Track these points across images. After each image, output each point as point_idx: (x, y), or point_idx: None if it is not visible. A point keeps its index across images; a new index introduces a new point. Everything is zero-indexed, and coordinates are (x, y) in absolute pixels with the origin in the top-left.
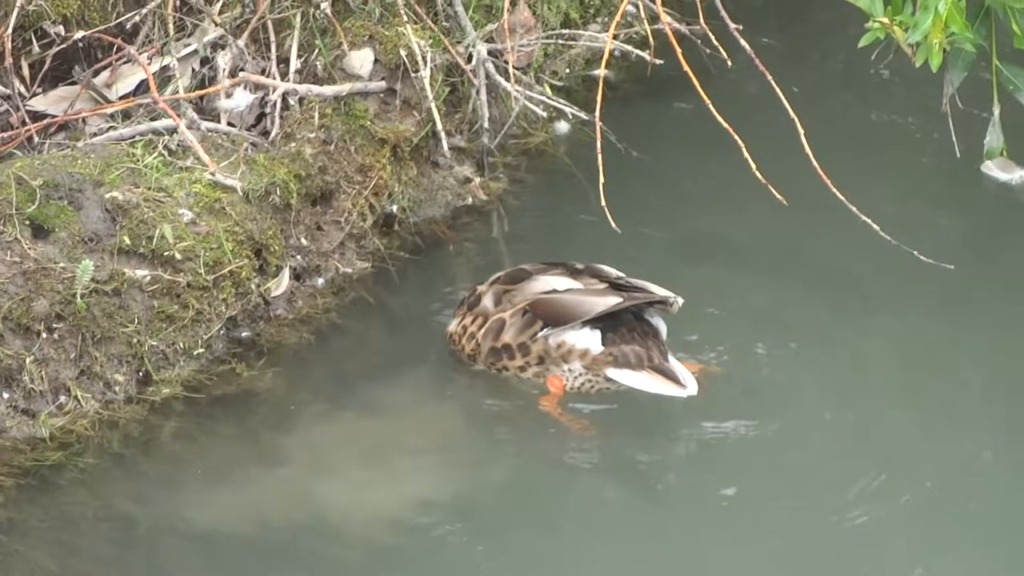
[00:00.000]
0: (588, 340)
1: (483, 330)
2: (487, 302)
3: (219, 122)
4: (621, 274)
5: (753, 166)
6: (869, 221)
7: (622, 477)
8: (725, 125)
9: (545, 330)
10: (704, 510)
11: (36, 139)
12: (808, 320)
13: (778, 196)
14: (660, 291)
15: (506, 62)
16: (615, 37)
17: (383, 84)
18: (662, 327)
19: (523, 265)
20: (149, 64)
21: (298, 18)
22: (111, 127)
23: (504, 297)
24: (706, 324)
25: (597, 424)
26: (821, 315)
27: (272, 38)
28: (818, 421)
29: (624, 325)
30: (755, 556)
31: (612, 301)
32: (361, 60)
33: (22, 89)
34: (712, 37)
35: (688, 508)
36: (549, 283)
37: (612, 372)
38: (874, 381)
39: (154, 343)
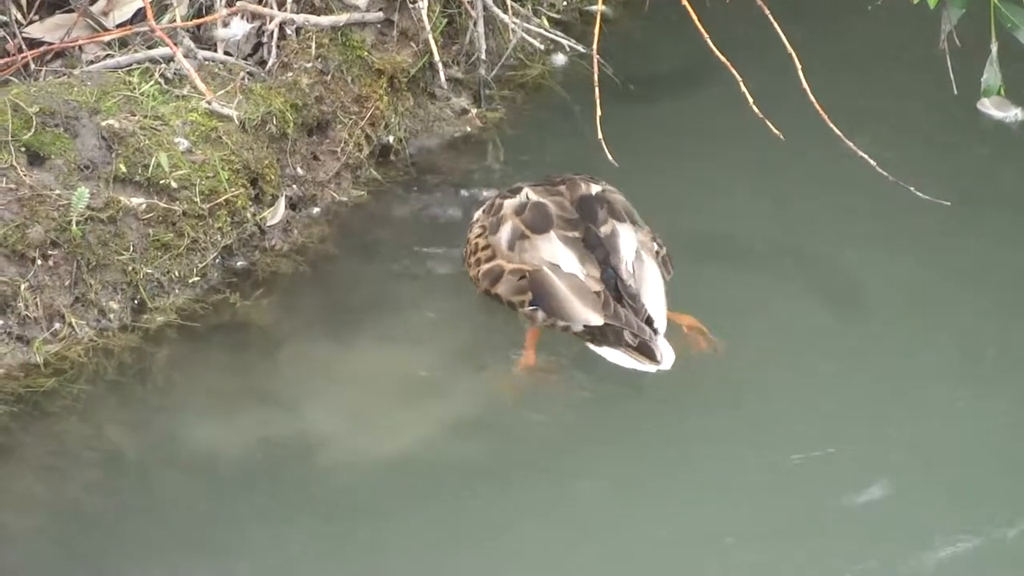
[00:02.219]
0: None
1: (485, 267)
2: (503, 235)
3: (216, 51)
4: (632, 267)
5: (750, 100)
6: (866, 156)
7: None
8: (722, 59)
9: (533, 306)
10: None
11: (32, 66)
12: (805, 261)
13: (775, 130)
14: (654, 310)
15: None
16: None
17: (380, 15)
18: (657, 290)
19: (546, 198)
20: None
21: None
22: (108, 55)
23: (518, 244)
24: (698, 266)
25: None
26: (817, 256)
27: None
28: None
29: (611, 301)
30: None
31: (593, 320)
32: None
33: (19, 16)
34: None
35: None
36: (557, 254)
37: (591, 347)
38: (867, 327)
39: (149, 271)
